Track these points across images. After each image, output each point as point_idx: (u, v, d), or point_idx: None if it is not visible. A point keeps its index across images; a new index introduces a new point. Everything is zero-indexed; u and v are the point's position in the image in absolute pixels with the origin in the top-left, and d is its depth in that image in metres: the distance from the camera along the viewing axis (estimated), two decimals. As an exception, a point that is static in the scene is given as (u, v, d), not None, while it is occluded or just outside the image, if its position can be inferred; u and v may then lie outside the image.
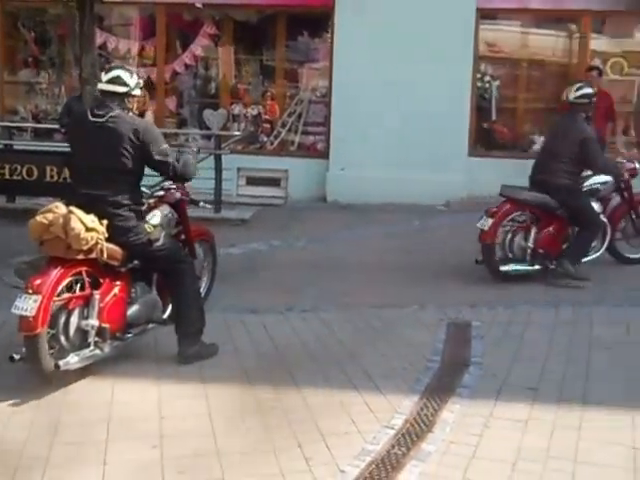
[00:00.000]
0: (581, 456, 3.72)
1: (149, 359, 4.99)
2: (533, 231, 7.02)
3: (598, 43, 11.52)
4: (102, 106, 4.83)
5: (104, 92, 4.88)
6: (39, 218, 4.49)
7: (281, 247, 8.42)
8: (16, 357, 4.37)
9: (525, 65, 11.75)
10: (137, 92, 4.99)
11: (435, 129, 10.72)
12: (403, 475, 3.58)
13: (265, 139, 11.74)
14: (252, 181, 11.33)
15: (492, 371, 4.78)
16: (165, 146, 4.90)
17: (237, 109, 11.84)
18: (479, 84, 11.45)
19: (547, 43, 11.80)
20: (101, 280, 4.68)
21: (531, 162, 10.77)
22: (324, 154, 11.32)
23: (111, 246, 4.61)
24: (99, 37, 10.97)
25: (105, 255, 4.56)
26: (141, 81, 5.12)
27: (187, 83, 12.04)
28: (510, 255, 7.05)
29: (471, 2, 10.83)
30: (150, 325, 5.09)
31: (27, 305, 4.26)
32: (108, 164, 4.71)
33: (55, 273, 4.41)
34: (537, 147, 11.25)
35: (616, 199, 7.61)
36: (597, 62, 11.18)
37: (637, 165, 7.67)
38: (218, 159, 9.66)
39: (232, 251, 7.92)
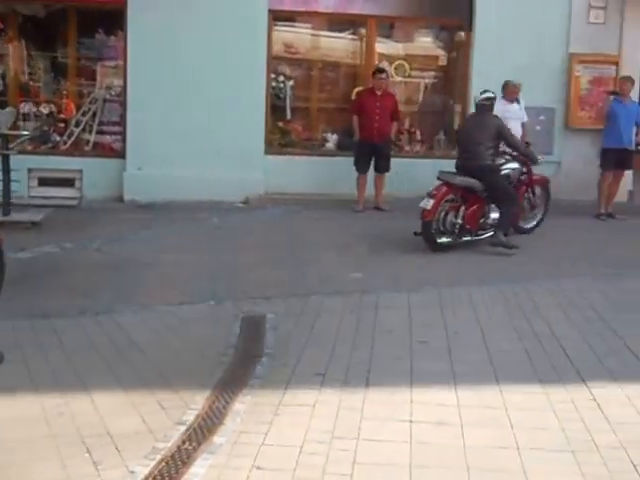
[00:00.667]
0: (364, 434, 3.94)
1: None
2: (462, 209, 8.40)
3: (384, 46, 12.11)
4: None
5: None
6: None
7: (74, 249, 8.20)
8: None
9: (318, 66, 12.14)
10: None
11: (232, 128, 10.91)
12: (193, 469, 3.60)
13: (58, 138, 11.38)
14: (44, 182, 10.95)
15: (283, 361, 4.94)
16: None
17: (27, 107, 11.39)
18: (274, 84, 11.69)
19: (337, 45, 12.26)
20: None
21: (325, 159, 11.34)
22: (120, 153, 11.16)
23: None
24: None
25: None
26: None
27: (-28, 80, 11.45)
28: (442, 229, 8.36)
29: (263, 3, 11.05)
30: None
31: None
32: None
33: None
34: (330, 145, 11.80)
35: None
36: (384, 64, 11.77)
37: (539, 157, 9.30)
38: (5, 159, 9.26)
39: (22, 255, 7.63)
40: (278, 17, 11.54)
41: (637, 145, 10.81)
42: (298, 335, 5.45)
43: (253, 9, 10.95)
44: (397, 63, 12.06)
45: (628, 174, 11.35)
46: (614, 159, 10.60)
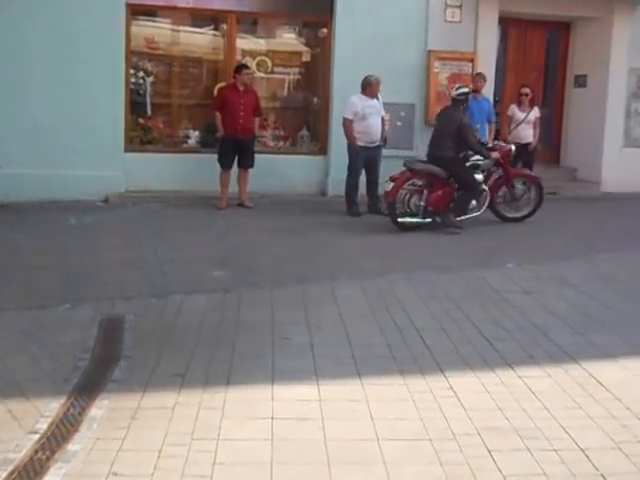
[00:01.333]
0: (224, 434, 3.89)
1: None
2: (425, 193, 9.20)
3: (246, 42, 12.05)
4: None
5: None
6: None
7: None
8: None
9: (179, 62, 11.94)
10: None
11: (92, 125, 10.65)
12: (47, 479, 3.48)
13: None
14: None
15: (142, 362, 4.81)
16: None
17: None
18: (133, 80, 11.42)
19: (198, 41, 12.10)
20: None
21: (188, 156, 11.20)
22: (-23, 153, 10.62)
23: None
24: None
25: None
26: None
27: None
28: (408, 210, 9.27)
29: (121, -3, 10.79)
30: None
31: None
32: None
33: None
34: (192, 142, 11.66)
35: (498, 173, 9.94)
36: (247, 60, 11.71)
37: (512, 147, 10.10)
38: None
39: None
40: (137, 11, 11.27)
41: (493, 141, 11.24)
42: (158, 336, 5.33)
43: (110, 3, 10.66)
44: (259, 59, 12.03)
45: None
46: None
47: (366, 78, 10.45)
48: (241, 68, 10.67)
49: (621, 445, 3.89)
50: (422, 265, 7.65)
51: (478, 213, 9.67)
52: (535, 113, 11.49)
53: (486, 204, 9.74)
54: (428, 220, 9.33)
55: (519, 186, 10.13)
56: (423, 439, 3.90)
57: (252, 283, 6.80)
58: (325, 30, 12.00)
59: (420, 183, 9.29)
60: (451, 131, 9.31)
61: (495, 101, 11.99)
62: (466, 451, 3.78)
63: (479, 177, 9.53)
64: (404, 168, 9.32)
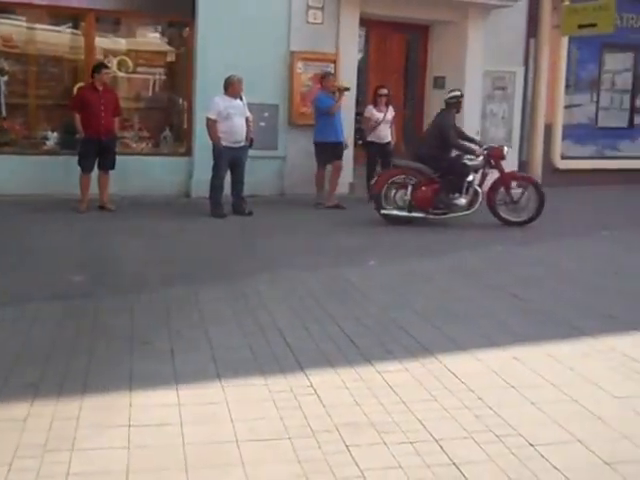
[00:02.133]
0: (78, 443, 3.78)
1: None
2: (409, 189, 9.91)
3: (106, 41, 11.79)
4: None
5: None
6: None
7: None
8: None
9: (36, 61, 11.57)
10: None
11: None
12: None
13: None
14: None
15: (-7, 374, 4.63)
16: None
17: None
18: (-14, 79, 10.97)
19: (57, 39, 11.77)
20: None
21: (46, 158, 10.86)
22: None
23: None
24: None
25: None
26: None
27: None
28: (395, 204, 10.04)
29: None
30: None
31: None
32: None
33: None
34: (50, 143, 11.31)
35: (494, 175, 10.29)
36: (108, 60, 11.45)
37: (505, 149, 10.44)
38: None
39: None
40: (-7, 8, 10.84)
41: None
42: (11, 345, 5.13)
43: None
44: (120, 58, 11.79)
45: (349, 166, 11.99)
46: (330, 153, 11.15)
47: (228, 78, 10.42)
48: (100, 67, 10.40)
49: (474, 435, 4.03)
50: (284, 264, 7.69)
51: (468, 212, 10.08)
52: (391, 112, 11.77)
53: (477, 204, 10.05)
54: (414, 215, 9.98)
55: (515, 188, 10.41)
56: (282, 438, 3.92)
57: (113, 287, 6.65)
58: (187, 29, 11.89)
59: (404, 180, 10.01)
60: (436, 132, 10.10)
61: (358, 101, 12.18)
62: (324, 447, 3.82)
63: (470, 178, 10.05)
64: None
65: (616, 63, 15.20)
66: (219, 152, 10.26)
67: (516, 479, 3.59)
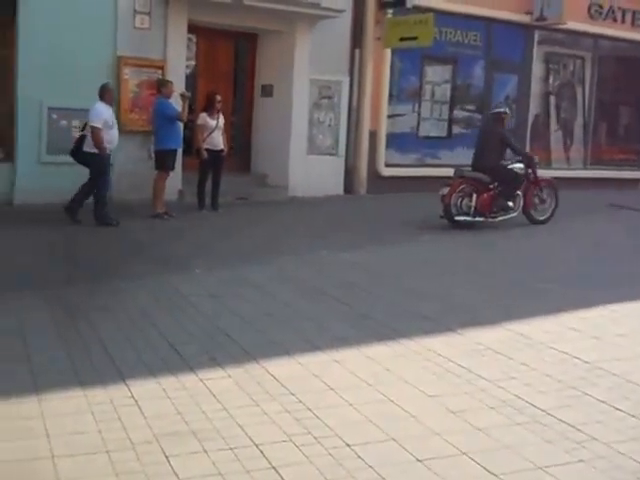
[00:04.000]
0: None
1: None
2: (473, 197, 11.13)
3: None
4: None
5: None
6: None
7: None
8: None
9: None
10: None
11: None
12: None
13: None
14: None
15: None
16: None
17: None
18: None
19: None
20: None
21: None
22: None
23: None
24: None
25: None
26: None
27: None
28: (461, 211, 11.15)
29: None
30: None
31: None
32: None
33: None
34: None
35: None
36: None
37: (536, 158, 12.10)
38: None
39: None
40: None
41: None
42: None
43: None
44: None
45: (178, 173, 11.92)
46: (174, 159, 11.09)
47: (105, 85, 10.30)
48: None
49: (293, 437, 4.12)
50: (104, 273, 7.56)
51: (515, 214, 11.57)
52: (222, 120, 11.80)
53: (520, 207, 11.61)
54: (479, 219, 11.21)
55: (542, 191, 11.99)
56: (100, 452, 3.85)
57: None
58: (9, 31, 11.40)
59: (468, 189, 11.12)
60: (495, 143, 11.39)
61: (191, 108, 12.08)
62: (143, 459, 3.79)
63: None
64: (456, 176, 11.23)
65: (436, 75, 15.91)
66: (106, 160, 10.13)
67: (332, 479, 3.72)
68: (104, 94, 10.27)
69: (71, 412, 4.30)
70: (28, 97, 11.06)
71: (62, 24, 11.18)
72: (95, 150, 10.06)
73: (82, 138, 10.23)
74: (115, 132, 10.27)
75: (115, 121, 10.34)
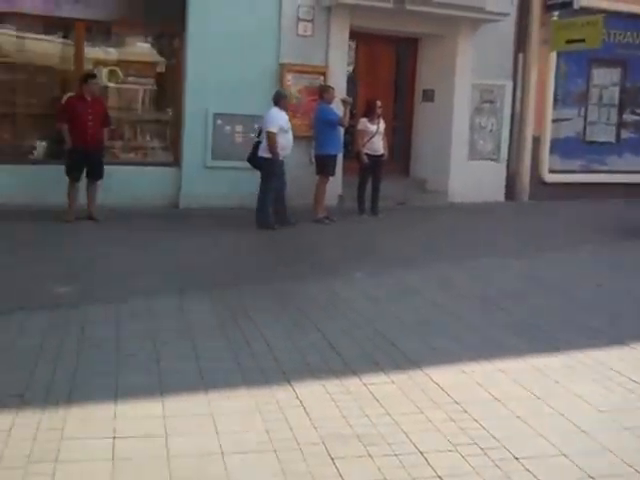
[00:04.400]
0: (62, 455, 3.76)
1: None
2: None
3: (96, 51, 11.78)
4: None
5: None
6: None
7: None
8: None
9: (24, 70, 11.50)
10: None
11: None
12: None
13: None
14: None
15: (-22, 384, 4.61)
16: None
17: None
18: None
19: (45, 49, 11.72)
20: None
21: (33, 168, 10.76)
22: None
23: None
24: None
25: None
26: None
27: None
28: None
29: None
30: None
31: None
32: None
33: None
34: (38, 153, 11.26)
35: None
36: (98, 70, 11.46)
37: None
38: None
39: None
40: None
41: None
42: (-3, 355, 5.12)
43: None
44: (109, 69, 11.78)
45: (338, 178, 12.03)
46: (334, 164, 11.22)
47: (280, 92, 10.67)
48: (88, 78, 10.40)
49: (458, 447, 4.04)
50: (266, 275, 7.70)
51: None
52: (383, 125, 11.80)
53: None
54: None
55: None
56: (268, 450, 3.91)
57: (98, 298, 6.61)
58: (178, 40, 11.90)
59: None
60: None
61: (352, 113, 12.14)
62: (310, 460, 3.82)
63: None
64: None
65: (604, 78, 15.30)
66: (277, 165, 10.34)
67: (500, 492, 3.61)
68: (279, 100, 10.51)
69: (239, 411, 4.39)
70: (195, 104, 11.46)
71: (228, 33, 11.52)
72: (269, 155, 10.28)
73: (258, 144, 10.50)
74: (290, 137, 10.46)
75: (290, 126, 10.50)
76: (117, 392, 4.55)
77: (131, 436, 4.01)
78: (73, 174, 10.20)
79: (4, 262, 7.82)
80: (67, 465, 3.68)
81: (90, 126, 10.18)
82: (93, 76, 10.64)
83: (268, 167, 10.33)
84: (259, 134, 10.59)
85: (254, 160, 10.50)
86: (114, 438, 3.97)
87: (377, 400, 4.60)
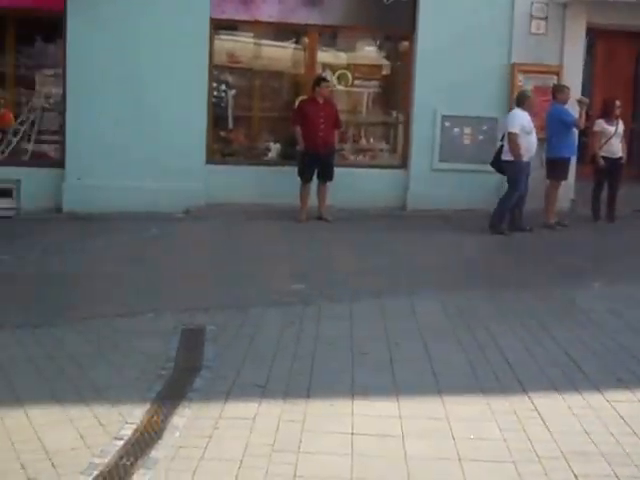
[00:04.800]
0: (304, 446, 3.87)
1: None
2: None
3: (327, 55, 12.10)
4: None
5: None
6: None
7: (10, 261, 7.98)
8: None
9: (260, 75, 12.05)
10: None
11: (173, 137, 10.76)
12: (131, 485, 3.53)
13: (-5, 148, 11.11)
14: (-19, 192, 10.66)
15: (223, 373, 4.85)
16: None
17: (-36, 117, 11.07)
18: (216, 93, 11.58)
19: (280, 54, 12.20)
20: None
21: (268, 169, 11.22)
22: (60, 163, 10.90)
23: None
24: None
25: None
26: None
27: None
28: None
29: (205, 12, 10.92)
30: None
31: None
32: None
33: None
34: (272, 154, 11.74)
35: None
36: (327, 74, 11.77)
37: None
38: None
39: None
40: (220, 26, 11.42)
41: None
42: (238, 347, 5.36)
43: (194, 18, 10.80)
44: (340, 72, 12.05)
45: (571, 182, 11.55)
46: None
47: (524, 92, 10.52)
48: (320, 81, 10.72)
49: None
50: (501, 283, 7.52)
51: None
52: (622, 126, 11.19)
53: None
54: None
55: None
56: (506, 461, 3.80)
57: (331, 297, 6.76)
58: (406, 43, 11.95)
59: None
60: None
61: (587, 114, 11.63)
62: (552, 475, 3.67)
63: None
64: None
65: None
66: (520, 167, 10.17)
67: None
68: (523, 101, 10.29)
69: (474, 417, 4.31)
70: (423, 106, 11.43)
71: (457, 34, 11.38)
72: (511, 158, 10.09)
73: (501, 148, 10.34)
74: (533, 139, 10.18)
75: (533, 128, 10.23)
76: (353, 389, 4.62)
77: (368, 434, 4.05)
78: (305, 175, 10.53)
79: (241, 260, 8.21)
80: (308, 456, 3.78)
81: (322, 128, 10.48)
82: (325, 80, 10.95)
83: (511, 170, 10.12)
84: (502, 137, 10.39)
85: (497, 164, 10.32)
86: (352, 434, 4.02)
87: (622, 418, 4.34)
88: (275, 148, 11.77)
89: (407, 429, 4.11)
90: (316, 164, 10.51)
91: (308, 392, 4.56)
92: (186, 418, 4.20)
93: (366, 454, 3.82)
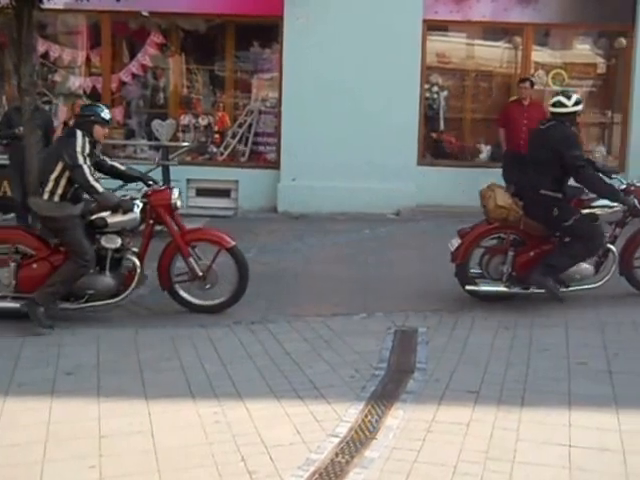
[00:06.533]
0: (519, 456, 3.82)
1: (89, 376, 4.97)
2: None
3: (540, 55, 11.77)
4: None
5: None
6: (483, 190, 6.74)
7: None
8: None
9: (472, 76, 11.92)
10: None
11: (385, 139, 10.87)
12: (346, 483, 3.61)
13: (215, 150, 11.75)
14: (202, 192, 11.29)
15: (436, 376, 4.88)
16: None
17: (187, 119, 11.80)
18: (427, 94, 11.59)
19: (492, 54, 12.01)
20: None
21: (478, 171, 11.06)
22: (275, 164, 11.37)
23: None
24: (41, 46, 10.93)
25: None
26: None
27: (135, 93, 11.88)
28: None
29: (418, 13, 10.97)
30: None
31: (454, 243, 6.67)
32: None
33: (479, 230, 6.64)
34: (483, 156, 11.58)
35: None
36: (541, 73, 11.47)
37: None
38: (166, 170, 9.68)
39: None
40: (432, 27, 11.41)
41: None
42: (450, 350, 5.37)
43: (408, 20, 10.88)
44: (554, 72, 11.68)
45: None
46: None
47: None
48: (520, 82, 10.52)
49: None
50: None
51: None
52: None
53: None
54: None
55: None
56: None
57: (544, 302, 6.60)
58: (624, 39, 11.39)
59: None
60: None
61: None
62: None
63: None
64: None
65: None
66: None
67: None
68: None
69: None
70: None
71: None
72: None
73: None
74: None
75: None
76: (570, 399, 4.50)
77: (586, 447, 3.93)
78: (507, 178, 10.23)
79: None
80: (523, 467, 3.73)
81: (523, 130, 10.18)
82: (524, 80, 10.68)
83: None
84: None
85: None
86: (569, 446, 3.92)
87: None
88: (486, 150, 11.62)
89: (628, 444, 3.95)
90: (518, 166, 10.24)
91: (522, 400, 4.50)
92: (400, 420, 4.27)
93: (584, 468, 3.72)
